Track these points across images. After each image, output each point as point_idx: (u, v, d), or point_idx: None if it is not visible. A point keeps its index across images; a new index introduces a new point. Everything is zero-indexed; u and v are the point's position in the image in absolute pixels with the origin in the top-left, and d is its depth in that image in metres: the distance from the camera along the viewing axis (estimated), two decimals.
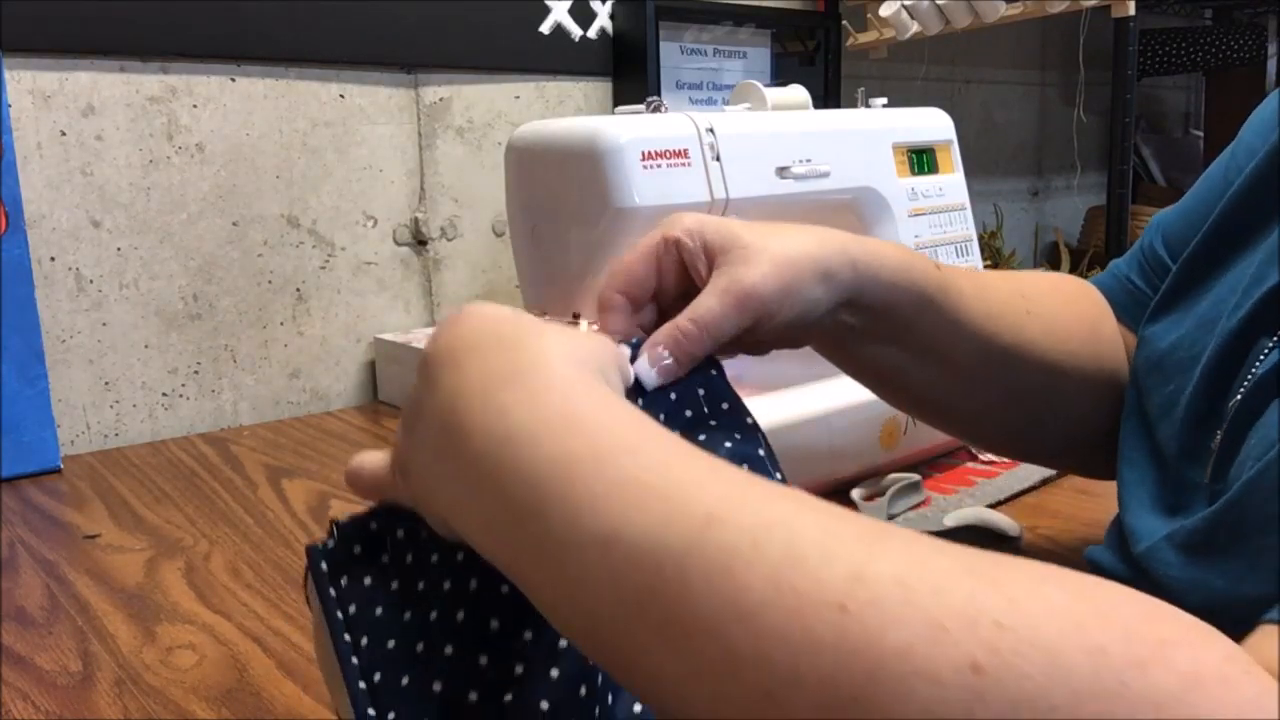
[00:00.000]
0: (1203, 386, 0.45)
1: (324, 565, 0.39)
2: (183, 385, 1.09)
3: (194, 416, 1.10)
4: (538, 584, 0.30)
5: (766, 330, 0.45)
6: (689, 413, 0.42)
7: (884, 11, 1.52)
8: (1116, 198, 1.42)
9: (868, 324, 0.49)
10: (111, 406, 1.05)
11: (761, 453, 0.41)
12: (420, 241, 1.25)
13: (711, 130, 0.74)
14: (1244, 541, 0.37)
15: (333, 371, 1.19)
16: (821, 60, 1.61)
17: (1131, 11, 1.36)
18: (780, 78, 1.56)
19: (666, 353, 0.42)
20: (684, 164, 0.71)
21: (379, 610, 0.38)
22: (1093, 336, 0.57)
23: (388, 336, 1.17)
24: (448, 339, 0.35)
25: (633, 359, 0.42)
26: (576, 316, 0.55)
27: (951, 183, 0.91)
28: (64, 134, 1.00)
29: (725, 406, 0.42)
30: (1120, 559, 0.48)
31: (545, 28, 1.29)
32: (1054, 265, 1.87)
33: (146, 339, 1.07)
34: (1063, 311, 0.57)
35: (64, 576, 0.68)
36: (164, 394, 1.08)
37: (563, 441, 0.29)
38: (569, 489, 0.28)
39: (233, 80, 1.09)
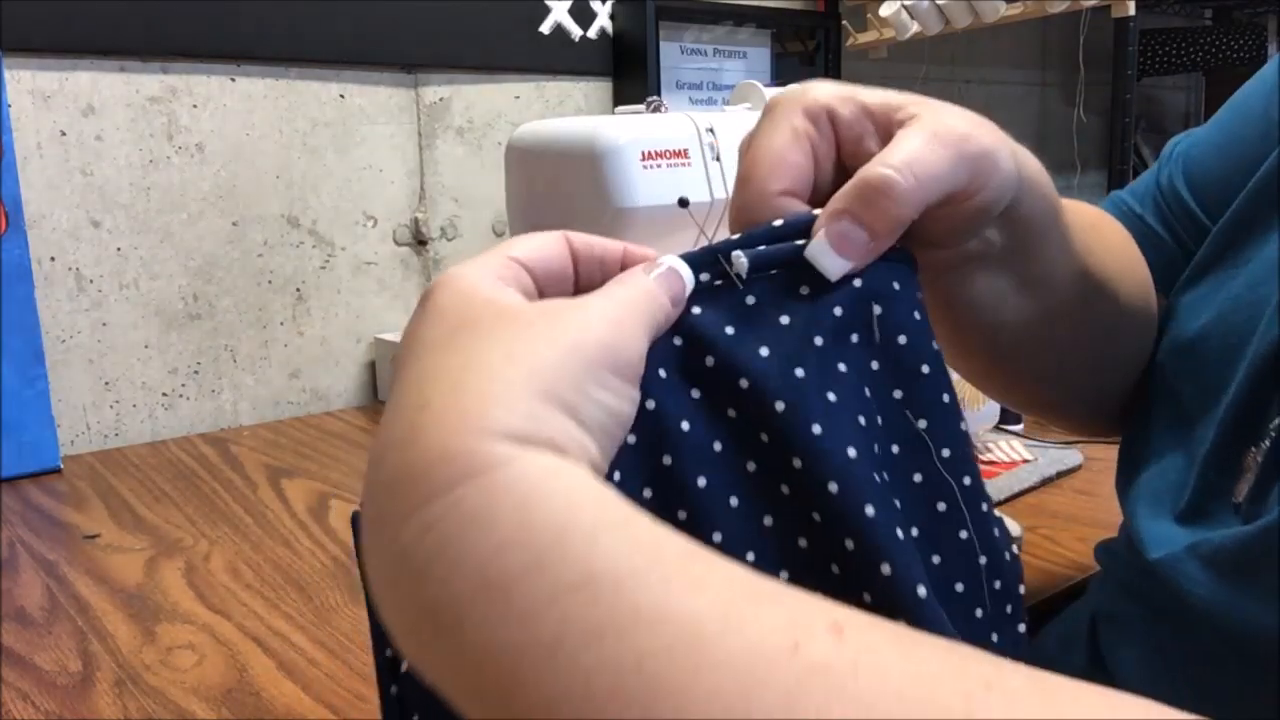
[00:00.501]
0: (1245, 392, 0.40)
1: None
2: (183, 385, 1.09)
3: (194, 416, 1.10)
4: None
5: (949, 216, 0.34)
6: (878, 310, 0.32)
7: (884, 11, 1.52)
8: None
9: (1005, 240, 0.39)
10: (111, 406, 1.05)
11: (948, 399, 0.33)
12: (420, 241, 1.25)
13: (711, 130, 0.74)
14: (1275, 569, 0.34)
15: (333, 371, 1.19)
16: (821, 60, 1.61)
17: (1131, 11, 1.36)
18: (780, 78, 1.56)
19: (855, 224, 0.31)
20: (684, 164, 0.72)
21: None
22: (1144, 279, 0.50)
23: (388, 336, 1.17)
24: (403, 353, 0.29)
25: (770, 240, 0.32)
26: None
27: None
28: (64, 134, 1.00)
29: (917, 317, 0.33)
30: (1129, 561, 0.45)
31: (545, 28, 1.29)
32: None
33: (146, 339, 1.07)
34: (1121, 248, 0.50)
35: (64, 576, 0.68)
36: (164, 394, 1.08)
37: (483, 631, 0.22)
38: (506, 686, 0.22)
39: (233, 80, 1.09)
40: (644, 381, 0.29)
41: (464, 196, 1.27)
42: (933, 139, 0.32)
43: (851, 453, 0.30)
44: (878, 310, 0.32)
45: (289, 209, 1.14)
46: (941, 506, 0.33)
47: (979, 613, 0.33)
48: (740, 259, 0.32)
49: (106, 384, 1.05)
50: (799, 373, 0.30)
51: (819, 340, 0.31)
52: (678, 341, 0.31)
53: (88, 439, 1.04)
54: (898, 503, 0.31)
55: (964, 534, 0.33)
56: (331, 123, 1.16)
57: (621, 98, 1.38)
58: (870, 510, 0.29)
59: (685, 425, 0.30)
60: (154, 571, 0.69)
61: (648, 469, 0.30)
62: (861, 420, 0.31)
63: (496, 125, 1.29)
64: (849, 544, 0.29)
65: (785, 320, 0.31)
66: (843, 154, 0.35)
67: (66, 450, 0.98)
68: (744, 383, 0.30)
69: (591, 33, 1.34)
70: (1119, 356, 0.50)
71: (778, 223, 0.33)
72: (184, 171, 1.07)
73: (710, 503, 0.30)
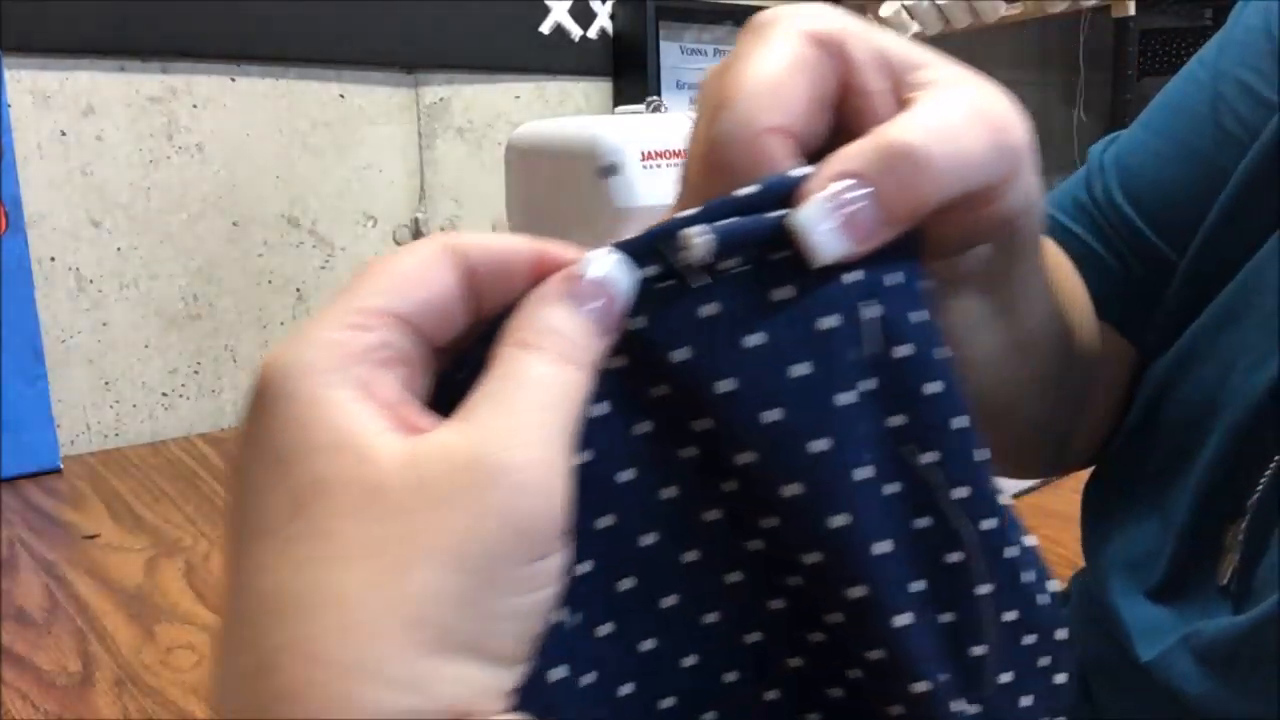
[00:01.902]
0: (1220, 461, 0.38)
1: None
2: (183, 385, 1.09)
3: (194, 416, 1.10)
4: None
5: (961, 222, 0.27)
6: (836, 322, 0.24)
7: (884, 11, 1.52)
8: None
9: (994, 257, 0.32)
10: (111, 406, 1.05)
11: (963, 423, 0.26)
12: None
13: None
14: (1271, 669, 0.33)
15: None
16: None
17: (1131, 11, 1.36)
18: None
19: (868, 196, 0.23)
20: (684, 164, 0.72)
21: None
22: (1089, 305, 0.45)
23: None
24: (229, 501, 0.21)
25: (754, 207, 0.24)
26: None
27: None
28: (64, 134, 1.00)
29: (923, 320, 0.25)
30: (1096, 630, 0.43)
31: (545, 28, 1.29)
32: None
33: (146, 339, 1.07)
34: (1071, 274, 0.45)
35: (64, 576, 0.68)
36: (164, 394, 1.08)
37: None
38: None
39: (233, 80, 1.09)
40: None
41: (464, 196, 1.27)
42: (974, 115, 0.25)
43: (841, 520, 0.24)
44: (876, 312, 0.24)
45: (289, 209, 1.14)
46: (955, 557, 0.26)
47: (1005, 677, 0.28)
48: (701, 238, 0.23)
49: (106, 384, 1.05)
50: (771, 416, 0.23)
51: (801, 369, 0.23)
52: (619, 364, 0.24)
53: (88, 439, 1.04)
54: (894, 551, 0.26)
55: (984, 588, 0.27)
56: (331, 123, 1.16)
57: (621, 98, 1.38)
58: (860, 591, 0.24)
59: (629, 475, 0.24)
60: (154, 571, 0.69)
61: (583, 540, 0.23)
62: (858, 475, 0.24)
63: (496, 125, 1.29)
64: (833, 618, 0.25)
65: (755, 341, 0.23)
66: (844, 105, 0.26)
67: (66, 450, 0.98)
68: (701, 424, 0.24)
69: (591, 33, 1.34)
70: (1066, 396, 0.44)
71: (748, 189, 0.24)
72: (184, 171, 1.07)
73: (662, 563, 0.25)
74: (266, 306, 1.14)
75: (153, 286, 1.07)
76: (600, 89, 1.39)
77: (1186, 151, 0.44)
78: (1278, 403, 0.37)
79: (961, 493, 0.26)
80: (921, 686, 0.25)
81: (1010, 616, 0.27)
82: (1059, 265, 0.42)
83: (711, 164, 0.25)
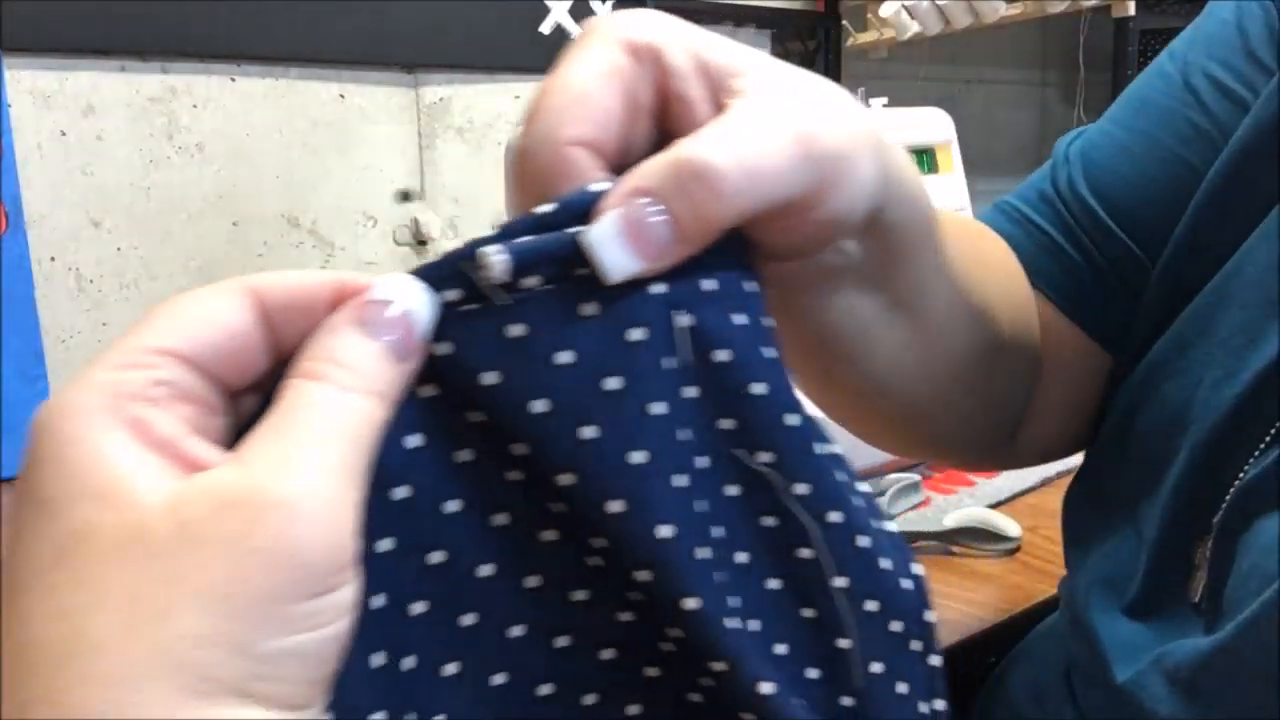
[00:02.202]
0: (1187, 478, 0.38)
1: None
2: None
3: None
4: None
5: (788, 229, 0.27)
6: (641, 336, 0.23)
7: (884, 11, 1.52)
8: None
9: (868, 255, 0.32)
10: None
11: (795, 419, 0.26)
12: (420, 241, 1.25)
13: None
14: (1236, 691, 0.34)
15: None
16: (821, 60, 1.61)
17: (1131, 11, 1.36)
18: None
19: (660, 214, 0.23)
20: None
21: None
22: (1025, 300, 0.45)
23: None
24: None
25: (557, 221, 0.24)
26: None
27: (951, 183, 0.91)
28: (64, 134, 1.00)
29: (743, 322, 0.25)
30: (1080, 641, 0.43)
31: (545, 28, 1.29)
32: None
33: None
34: (1004, 269, 0.45)
35: None
36: None
37: None
38: None
39: (233, 80, 1.09)
40: (386, 460, 0.22)
41: (464, 196, 1.27)
42: (779, 127, 0.24)
43: (664, 532, 0.23)
44: (686, 321, 0.24)
45: (289, 209, 1.14)
46: (806, 553, 0.26)
47: (876, 667, 0.28)
48: (498, 258, 0.23)
49: None
50: (588, 433, 0.23)
51: (613, 383, 0.23)
52: (430, 393, 0.23)
53: None
54: (744, 558, 0.26)
55: (839, 581, 0.27)
56: (331, 123, 1.16)
57: None
58: (693, 603, 0.24)
59: (456, 506, 0.23)
60: None
61: (413, 577, 0.23)
62: (680, 480, 0.24)
63: (496, 125, 1.29)
64: (667, 646, 0.25)
65: (566, 359, 0.23)
66: (665, 113, 0.26)
67: None
68: (520, 449, 0.23)
69: None
70: (1004, 387, 0.44)
71: (546, 206, 0.24)
72: (184, 171, 1.07)
73: (503, 592, 0.24)
74: None
75: (153, 286, 1.07)
76: None
77: (1151, 144, 0.43)
78: (1242, 419, 0.37)
79: (802, 489, 0.26)
80: (766, 688, 0.25)
81: (872, 606, 0.27)
82: (979, 258, 0.41)
83: (519, 178, 0.25)
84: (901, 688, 0.28)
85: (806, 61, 1.62)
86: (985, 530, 0.67)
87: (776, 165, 0.24)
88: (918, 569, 0.29)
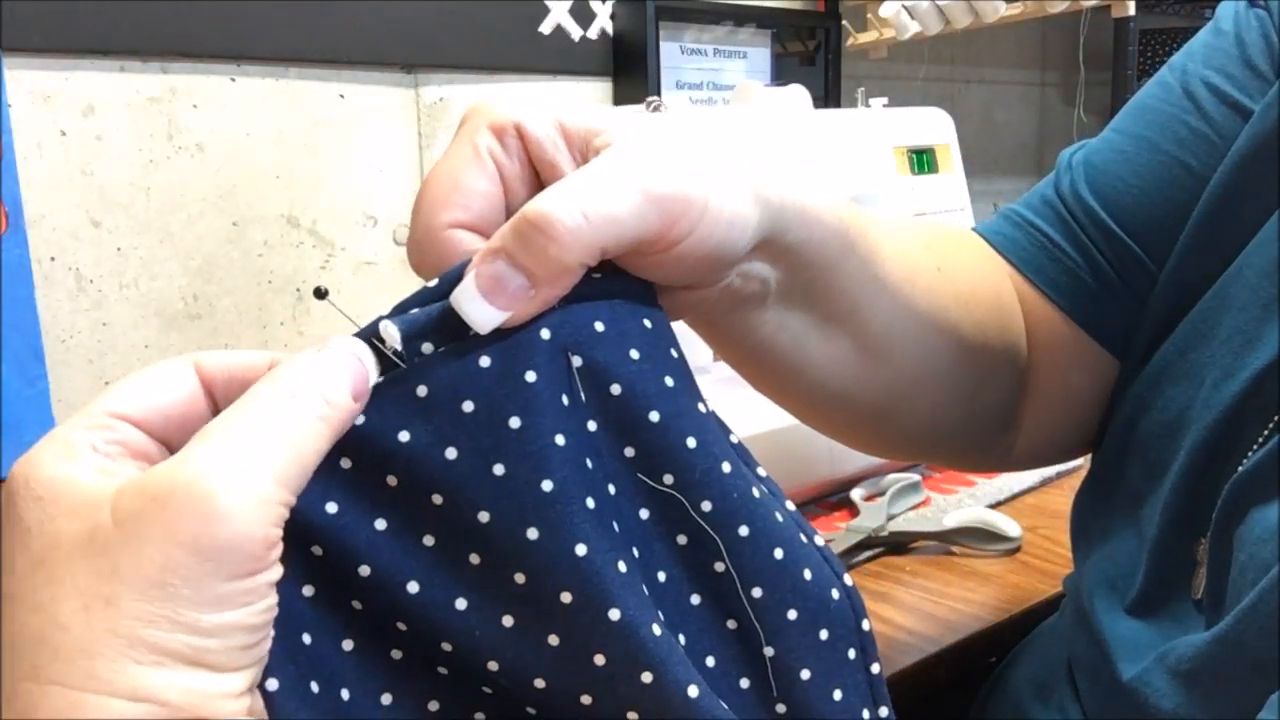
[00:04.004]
0: (1186, 477, 0.39)
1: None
2: None
3: None
4: None
5: (665, 263, 0.29)
6: (578, 363, 0.27)
7: (884, 11, 1.52)
8: None
9: (782, 276, 0.35)
10: None
11: (693, 442, 0.28)
12: None
13: None
14: (1237, 681, 0.34)
15: None
16: (821, 60, 1.61)
17: (1131, 11, 1.37)
18: (780, 78, 1.56)
19: (511, 267, 0.26)
20: None
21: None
22: (997, 304, 0.47)
23: None
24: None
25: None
26: None
27: (951, 183, 0.91)
28: (64, 134, 1.00)
29: (635, 356, 0.27)
30: (1084, 639, 0.44)
31: (545, 28, 1.29)
32: None
33: (146, 339, 1.07)
34: (971, 273, 0.47)
35: None
36: None
37: None
38: None
39: (233, 80, 1.09)
40: (306, 526, 0.24)
41: None
42: (617, 174, 0.27)
43: (581, 550, 0.25)
44: (577, 363, 0.27)
45: (289, 209, 1.14)
46: (719, 567, 0.28)
47: (805, 674, 0.29)
48: (389, 329, 0.26)
49: (107, 384, 1.05)
50: (498, 470, 0.25)
51: (515, 422, 0.25)
52: (345, 464, 0.25)
53: None
54: (663, 576, 0.28)
55: (756, 591, 0.28)
56: (331, 123, 1.16)
57: (621, 98, 1.38)
58: (615, 614, 0.25)
59: (366, 571, 0.25)
60: None
61: (338, 619, 0.25)
62: (591, 502, 0.26)
63: None
64: (599, 660, 0.26)
65: (469, 407, 0.25)
66: (540, 177, 0.30)
67: None
68: (437, 498, 0.25)
69: (591, 33, 1.34)
70: (957, 395, 0.46)
71: (430, 283, 0.27)
72: (184, 171, 1.07)
73: (420, 653, 0.26)
74: (266, 306, 1.14)
75: (153, 286, 1.07)
76: (600, 89, 1.39)
77: (1150, 148, 0.45)
78: (1239, 418, 0.37)
79: (707, 506, 0.27)
80: (694, 691, 0.26)
81: (793, 615, 0.28)
82: (942, 266, 0.44)
83: (413, 263, 0.29)
84: (837, 694, 0.29)
85: (806, 61, 1.61)
86: (985, 530, 0.67)
87: (615, 210, 0.26)
88: (848, 580, 0.30)
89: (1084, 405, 0.49)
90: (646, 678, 0.25)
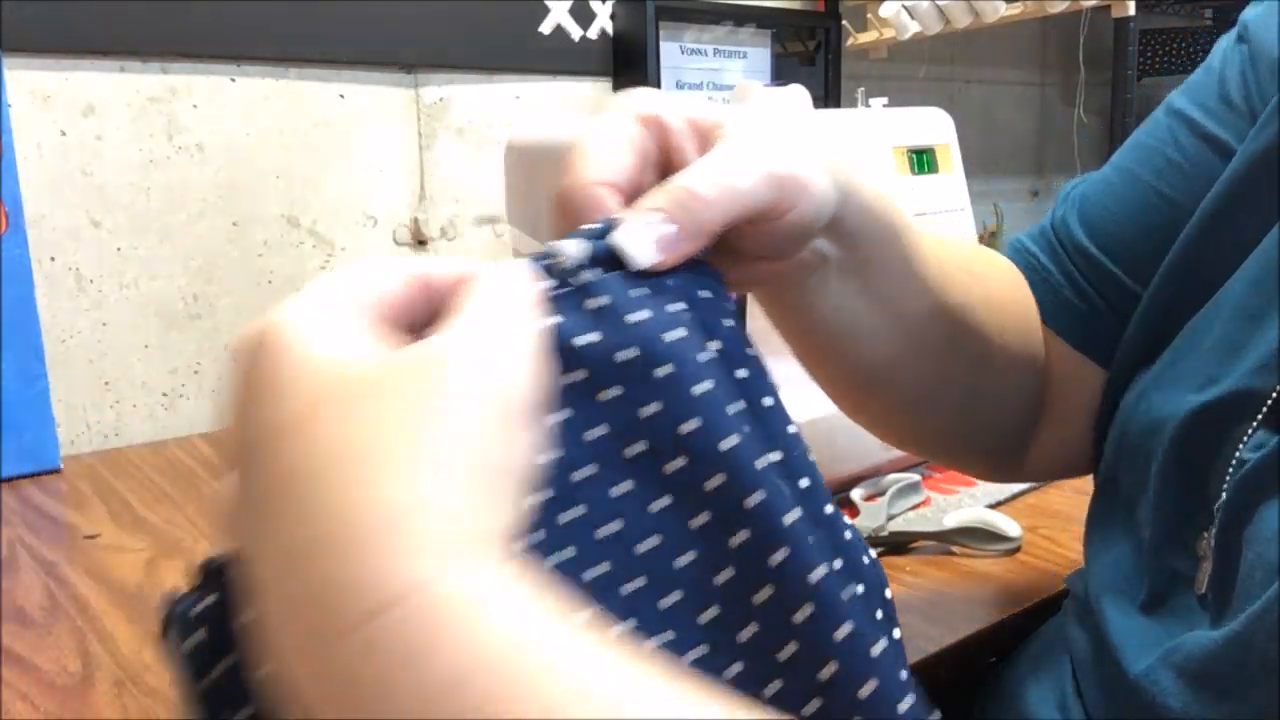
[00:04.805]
0: (1175, 466, 0.40)
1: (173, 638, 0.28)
2: (183, 385, 1.09)
3: (194, 416, 1.10)
4: None
5: (763, 232, 0.35)
6: (682, 307, 0.30)
7: (884, 11, 1.52)
8: None
9: (842, 254, 0.40)
10: (111, 406, 1.05)
11: (769, 402, 0.32)
12: (420, 241, 1.25)
13: None
14: (1246, 682, 0.34)
15: None
16: (821, 60, 1.61)
17: (1131, 11, 1.37)
18: (780, 78, 1.56)
19: (665, 219, 0.31)
20: None
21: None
22: (1024, 314, 0.51)
23: None
24: (237, 427, 0.25)
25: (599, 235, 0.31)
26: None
27: (951, 183, 0.91)
28: (64, 134, 1.00)
29: (728, 324, 0.32)
30: (1089, 636, 0.45)
31: (545, 28, 1.29)
32: None
33: (146, 339, 1.07)
34: (999, 282, 0.51)
35: (64, 576, 0.68)
36: (164, 394, 1.08)
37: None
38: None
39: (233, 80, 1.09)
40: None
41: (464, 196, 1.27)
42: (741, 156, 0.33)
43: (733, 440, 0.29)
44: (694, 313, 0.31)
45: (289, 209, 1.14)
46: (830, 509, 0.32)
47: (845, 629, 0.31)
48: (574, 248, 0.29)
49: (106, 384, 1.05)
50: (661, 371, 0.28)
51: (671, 336, 0.29)
52: (577, 377, 0.28)
53: (88, 439, 1.04)
54: (792, 518, 0.30)
55: (812, 539, 0.30)
56: (331, 123, 1.16)
57: None
58: (782, 555, 0.28)
59: (588, 471, 0.28)
60: (154, 571, 0.69)
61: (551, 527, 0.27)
62: (739, 406, 0.30)
63: (496, 125, 1.29)
64: (778, 557, 0.28)
65: (637, 318, 0.29)
66: (669, 162, 0.35)
67: (66, 450, 0.98)
68: (614, 392, 0.28)
69: (591, 33, 1.34)
70: (984, 393, 0.50)
71: (590, 225, 0.31)
72: (184, 171, 1.07)
73: (624, 552, 0.28)
74: (266, 306, 1.13)
75: (153, 286, 1.07)
76: (600, 89, 1.39)
77: (1132, 178, 0.50)
78: (1226, 414, 0.39)
79: (774, 456, 0.31)
80: (846, 628, 0.29)
81: (837, 564, 0.32)
82: (986, 279, 0.49)
83: (559, 214, 0.33)
84: (875, 650, 0.31)
85: (806, 61, 1.61)
86: (985, 530, 0.67)
87: (745, 184, 0.33)
88: (871, 553, 0.35)
89: (1083, 423, 0.52)
90: (816, 575, 0.28)
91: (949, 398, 0.49)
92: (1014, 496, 0.75)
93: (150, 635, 0.59)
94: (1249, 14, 0.48)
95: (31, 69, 0.98)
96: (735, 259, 0.36)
